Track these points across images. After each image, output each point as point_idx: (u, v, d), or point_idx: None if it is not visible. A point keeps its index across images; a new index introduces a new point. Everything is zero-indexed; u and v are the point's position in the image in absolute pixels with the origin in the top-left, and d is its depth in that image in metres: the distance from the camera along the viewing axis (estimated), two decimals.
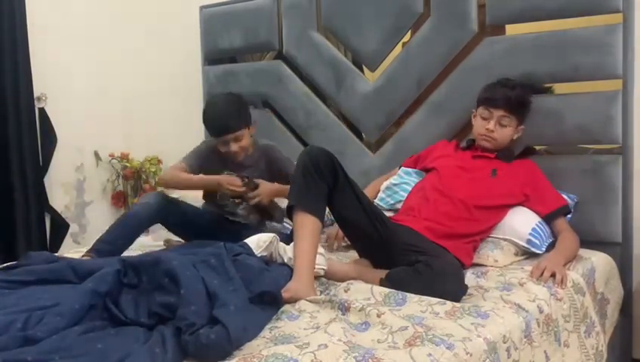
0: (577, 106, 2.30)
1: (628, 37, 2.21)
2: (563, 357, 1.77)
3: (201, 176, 2.41)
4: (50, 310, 1.44)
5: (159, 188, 3.04)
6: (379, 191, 2.57)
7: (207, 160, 2.48)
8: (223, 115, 2.34)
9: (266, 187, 2.37)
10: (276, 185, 2.42)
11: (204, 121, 2.40)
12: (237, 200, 2.41)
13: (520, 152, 2.38)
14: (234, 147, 2.35)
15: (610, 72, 2.24)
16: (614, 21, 2.22)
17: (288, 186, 2.37)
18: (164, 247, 2.37)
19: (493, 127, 2.25)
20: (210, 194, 2.49)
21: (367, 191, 2.46)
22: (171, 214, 2.31)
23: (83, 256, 2.13)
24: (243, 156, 2.40)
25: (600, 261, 2.15)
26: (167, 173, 2.51)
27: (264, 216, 2.47)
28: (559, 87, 2.43)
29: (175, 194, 2.65)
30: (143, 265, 1.60)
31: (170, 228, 2.42)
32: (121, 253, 2.13)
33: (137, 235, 2.23)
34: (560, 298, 1.82)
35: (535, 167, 2.29)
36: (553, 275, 1.88)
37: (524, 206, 2.22)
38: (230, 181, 2.32)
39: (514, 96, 2.24)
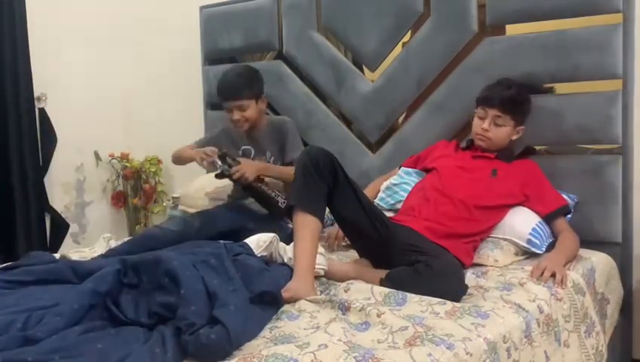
0: (577, 106, 2.30)
1: (628, 37, 2.21)
2: (563, 357, 1.77)
3: (191, 151, 2.49)
4: (50, 310, 1.44)
5: (178, 208, 3.07)
6: (379, 191, 2.57)
7: (216, 141, 2.56)
8: (231, 81, 2.44)
9: (248, 162, 2.38)
10: (262, 163, 2.45)
11: (217, 89, 2.48)
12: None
13: (520, 152, 2.38)
14: (236, 115, 2.42)
15: (610, 72, 2.24)
16: (614, 21, 2.22)
17: (276, 166, 2.46)
18: None
19: (488, 127, 2.25)
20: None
21: (368, 191, 2.46)
22: (191, 235, 2.29)
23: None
24: (246, 127, 2.46)
25: (600, 261, 2.15)
26: (175, 150, 2.63)
27: (260, 200, 2.43)
28: (559, 87, 2.43)
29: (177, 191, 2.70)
30: (143, 265, 1.60)
31: None
32: None
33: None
34: (560, 298, 1.82)
35: (536, 166, 2.29)
36: (553, 275, 1.88)
37: (524, 206, 2.22)
38: (205, 151, 2.35)
39: (508, 96, 2.24)
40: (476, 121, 2.29)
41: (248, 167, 2.33)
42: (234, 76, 2.45)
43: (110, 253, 2.15)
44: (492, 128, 2.25)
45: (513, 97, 2.25)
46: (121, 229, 3.43)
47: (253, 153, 2.52)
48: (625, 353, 2.37)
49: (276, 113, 3.15)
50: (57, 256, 2.19)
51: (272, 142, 2.51)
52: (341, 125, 2.97)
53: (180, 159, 2.61)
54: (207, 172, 2.64)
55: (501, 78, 2.32)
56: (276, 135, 2.51)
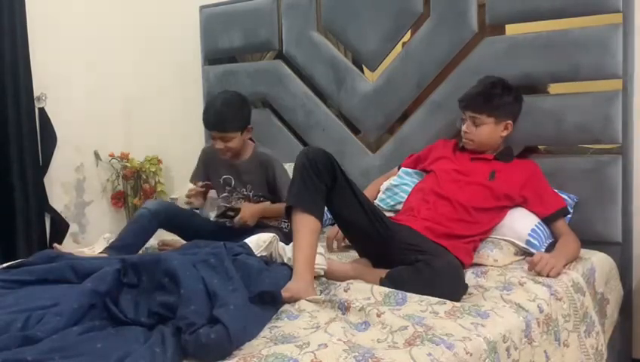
0: (577, 106, 2.30)
1: (628, 37, 2.21)
2: (563, 357, 1.77)
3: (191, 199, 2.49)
4: (49, 310, 1.44)
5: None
6: (379, 191, 2.57)
7: (208, 166, 2.59)
8: (218, 112, 2.37)
9: (247, 210, 2.39)
10: (260, 206, 2.45)
11: (204, 112, 2.45)
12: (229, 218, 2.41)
13: (520, 152, 2.38)
14: (219, 144, 2.40)
15: (610, 72, 2.24)
16: (614, 21, 2.22)
17: (274, 205, 2.46)
18: (157, 248, 2.43)
19: (467, 129, 2.26)
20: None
21: (368, 192, 2.46)
22: (170, 219, 2.36)
23: (100, 253, 2.21)
24: (229, 155, 2.45)
25: (600, 261, 2.15)
26: None
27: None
28: (559, 87, 2.43)
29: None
30: (143, 265, 1.60)
31: (172, 231, 2.47)
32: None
33: (145, 239, 2.31)
34: (560, 297, 1.82)
35: (535, 167, 2.28)
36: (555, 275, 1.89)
37: (523, 207, 2.21)
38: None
39: (476, 94, 2.25)
40: (462, 125, 2.31)
41: (249, 216, 2.37)
42: (221, 105, 2.38)
43: (113, 244, 2.23)
44: (472, 129, 2.25)
45: (481, 94, 2.24)
46: (121, 229, 3.42)
47: (233, 183, 2.51)
48: (625, 353, 2.37)
49: (276, 113, 3.15)
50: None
51: (254, 174, 2.49)
52: (341, 125, 2.97)
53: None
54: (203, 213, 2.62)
55: (480, 78, 2.31)
56: (261, 170, 2.49)
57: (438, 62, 2.62)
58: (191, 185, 2.50)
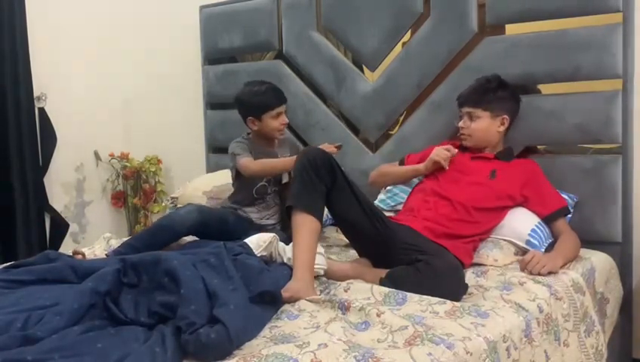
0: (577, 106, 2.30)
1: (628, 37, 2.21)
2: (563, 357, 1.77)
3: (283, 159, 2.43)
4: (49, 309, 1.45)
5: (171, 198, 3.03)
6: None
7: (250, 152, 2.49)
8: (278, 88, 2.49)
9: None
10: None
11: (264, 93, 2.45)
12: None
13: (521, 151, 2.38)
14: (286, 118, 2.47)
15: (610, 72, 2.24)
16: (614, 21, 2.22)
17: None
18: None
19: (464, 124, 2.29)
20: (241, 196, 2.49)
21: (389, 167, 2.53)
22: (206, 227, 2.29)
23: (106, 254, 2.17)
24: (284, 134, 2.52)
25: (600, 261, 2.15)
26: (252, 164, 2.40)
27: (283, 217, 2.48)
28: (559, 87, 2.43)
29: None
30: (143, 265, 1.60)
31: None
32: None
33: (166, 245, 2.20)
34: (560, 297, 1.82)
35: (536, 167, 2.28)
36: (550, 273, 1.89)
37: (524, 207, 2.21)
38: (324, 147, 2.24)
39: (472, 90, 2.29)
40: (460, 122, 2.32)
41: None
42: (273, 84, 2.51)
43: (124, 248, 2.17)
44: (469, 124, 2.28)
45: (476, 89, 2.28)
46: (121, 229, 3.43)
47: None
48: (625, 352, 2.37)
49: None
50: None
51: (286, 154, 2.53)
52: (341, 125, 2.97)
53: (271, 170, 2.42)
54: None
55: (478, 78, 2.33)
56: (289, 150, 2.56)
57: (438, 63, 2.62)
58: (249, 158, 2.40)
